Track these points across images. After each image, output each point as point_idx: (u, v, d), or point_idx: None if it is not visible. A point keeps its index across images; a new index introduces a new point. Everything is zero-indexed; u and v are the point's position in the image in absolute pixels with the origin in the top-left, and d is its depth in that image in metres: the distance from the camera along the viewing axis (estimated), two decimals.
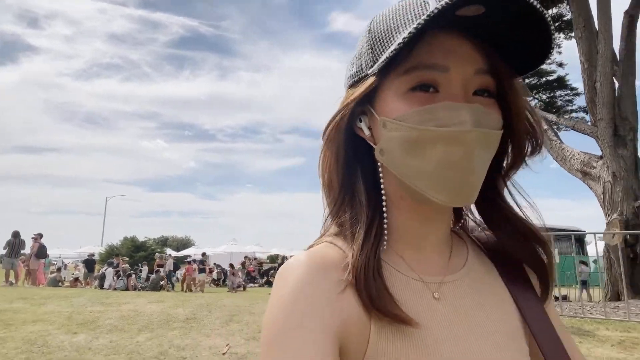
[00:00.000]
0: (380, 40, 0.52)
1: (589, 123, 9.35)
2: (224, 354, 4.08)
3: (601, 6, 8.36)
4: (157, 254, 19.78)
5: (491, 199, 0.60)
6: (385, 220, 0.55)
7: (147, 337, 4.78)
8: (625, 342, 4.15)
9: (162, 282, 14.04)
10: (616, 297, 7.93)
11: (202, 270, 15.12)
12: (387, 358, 0.48)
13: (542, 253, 0.59)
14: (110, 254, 19.65)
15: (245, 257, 20.43)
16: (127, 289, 12.82)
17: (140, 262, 18.70)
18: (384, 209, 0.55)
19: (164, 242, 41.82)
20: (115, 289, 12.30)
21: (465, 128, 0.47)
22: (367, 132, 0.55)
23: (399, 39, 0.46)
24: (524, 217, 0.60)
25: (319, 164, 0.60)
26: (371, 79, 0.52)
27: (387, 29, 0.51)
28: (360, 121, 0.56)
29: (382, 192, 0.55)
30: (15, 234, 12.25)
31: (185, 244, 42.50)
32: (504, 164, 0.58)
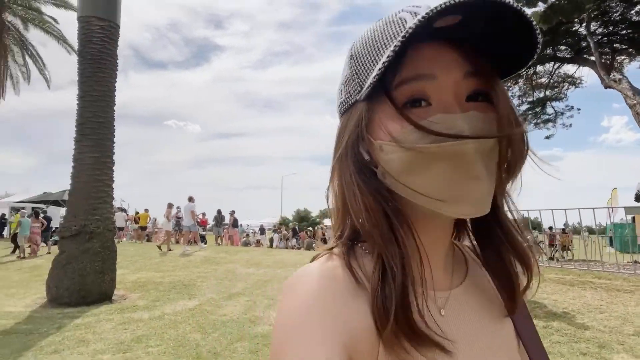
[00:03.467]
0: (363, 64, 0.51)
1: None
2: None
3: None
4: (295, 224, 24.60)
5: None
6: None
7: (282, 270, 8.57)
8: None
9: (313, 244, 18.56)
10: None
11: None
12: None
13: (519, 273, 0.58)
14: (281, 224, 25.33)
15: None
16: (286, 248, 17.70)
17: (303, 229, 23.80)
18: (401, 233, 0.51)
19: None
20: (278, 248, 17.22)
21: (462, 140, 0.45)
22: (366, 157, 0.52)
23: (380, 63, 0.46)
24: (515, 234, 0.57)
25: (329, 190, 0.57)
26: (361, 107, 0.51)
27: (369, 52, 0.50)
28: (359, 147, 0.53)
29: (397, 215, 0.51)
30: (219, 211, 17.95)
31: None
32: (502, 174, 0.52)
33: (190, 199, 13.78)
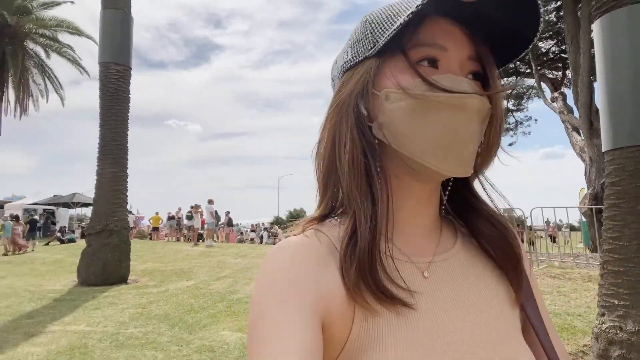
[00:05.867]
0: (380, 25, 0.53)
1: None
2: None
3: (583, 25, 10.67)
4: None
5: (460, 187, 0.61)
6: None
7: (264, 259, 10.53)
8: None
9: None
10: (595, 250, 10.67)
11: None
12: (375, 335, 0.48)
13: (509, 238, 0.59)
14: (273, 224, 27.37)
15: None
16: (273, 243, 19.80)
17: None
18: (378, 190, 0.53)
19: None
20: (266, 244, 19.37)
21: (468, 95, 0.49)
22: (364, 111, 0.54)
23: (402, 19, 0.48)
24: (490, 204, 0.60)
25: (319, 147, 0.59)
26: (370, 62, 0.54)
27: (387, 16, 0.53)
28: (359, 102, 0.54)
29: (378, 171, 0.53)
30: (215, 212, 19.97)
31: None
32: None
33: (210, 202, 16.58)
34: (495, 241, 0.59)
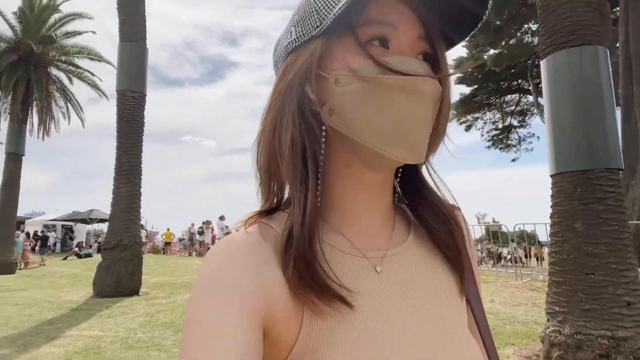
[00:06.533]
0: (325, 2, 0.49)
1: None
2: None
3: None
4: None
5: (409, 174, 0.60)
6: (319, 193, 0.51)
7: None
8: None
9: None
10: None
11: None
12: (322, 335, 0.46)
13: (451, 230, 0.58)
14: None
15: None
16: None
17: None
18: (318, 181, 0.50)
19: None
20: None
21: (422, 78, 0.47)
22: (311, 95, 0.51)
23: None
24: (437, 193, 0.59)
25: (261, 136, 0.55)
26: (316, 42, 0.50)
27: None
28: (305, 85, 0.51)
29: (321, 161, 0.51)
30: (226, 227, 20.63)
31: None
32: None
33: (222, 218, 17.23)
34: (439, 232, 0.58)
